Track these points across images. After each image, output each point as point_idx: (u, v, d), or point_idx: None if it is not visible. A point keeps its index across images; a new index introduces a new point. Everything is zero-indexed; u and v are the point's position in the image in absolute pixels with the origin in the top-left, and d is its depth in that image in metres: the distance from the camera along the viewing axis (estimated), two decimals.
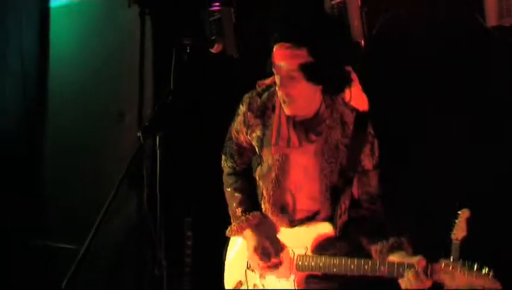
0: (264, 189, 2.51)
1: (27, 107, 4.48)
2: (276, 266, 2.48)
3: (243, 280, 2.59)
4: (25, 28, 4.45)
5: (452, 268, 2.19)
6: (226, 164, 2.71)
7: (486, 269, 2.18)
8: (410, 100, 3.80)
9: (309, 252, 2.44)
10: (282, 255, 2.49)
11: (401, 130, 3.86)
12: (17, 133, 4.44)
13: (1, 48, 4.34)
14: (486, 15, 3.53)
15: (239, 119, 2.58)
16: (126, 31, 4.29)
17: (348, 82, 2.39)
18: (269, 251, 2.48)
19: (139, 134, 2.24)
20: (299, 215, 2.48)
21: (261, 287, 2.53)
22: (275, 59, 2.33)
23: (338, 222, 2.41)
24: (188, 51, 2.36)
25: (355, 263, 2.32)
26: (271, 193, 2.48)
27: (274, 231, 2.52)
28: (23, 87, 4.44)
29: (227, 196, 2.66)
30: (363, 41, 3.75)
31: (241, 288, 2.58)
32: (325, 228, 2.42)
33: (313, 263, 2.41)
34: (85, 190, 4.29)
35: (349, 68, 2.39)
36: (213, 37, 2.51)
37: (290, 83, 2.32)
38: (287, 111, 2.39)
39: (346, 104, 2.44)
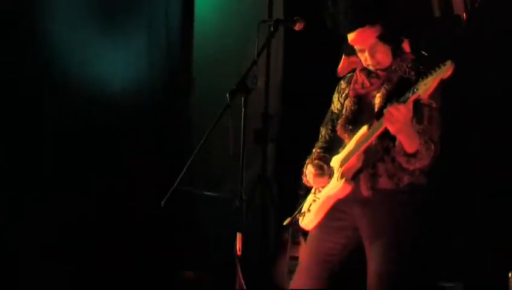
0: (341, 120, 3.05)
1: (172, 77, 5.01)
2: (325, 174, 3.00)
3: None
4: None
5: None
6: (320, 134, 3.26)
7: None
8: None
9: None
10: (332, 170, 3.00)
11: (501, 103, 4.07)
12: (163, 94, 4.97)
13: (147, 14, 4.87)
14: None
15: (335, 91, 3.21)
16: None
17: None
18: (321, 165, 3.04)
19: (227, 95, 2.80)
20: None
21: (316, 200, 3.04)
22: (354, 43, 2.91)
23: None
24: (272, 29, 2.87)
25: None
26: (345, 118, 3.02)
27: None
28: (168, 52, 4.96)
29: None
30: (464, 15, 3.98)
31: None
32: (362, 130, 2.88)
33: (349, 154, 2.89)
34: (221, 145, 4.84)
35: None
36: (295, 17, 2.97)
37: (375, 53, 2.89)
38: (374, 70, 2.96)
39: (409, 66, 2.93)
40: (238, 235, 2.80)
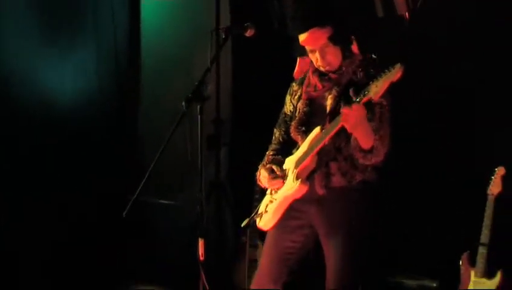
0: (294, 122, 3.12)
1: (120, 81, 5.03)
2: (279, 177, 3.05)
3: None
4: (116, 5, 4.99)
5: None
6: (274, 136, 3.32)
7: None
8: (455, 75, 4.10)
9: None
10: (287, 172, 3.06)
11: (447, 99, 4.19)
12: (112, 104, 4.98)
13: (94, 25, 4.87)
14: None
15: (287, 93, 3.27)
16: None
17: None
18: (273, 169, 3.08)
19: (183, 103, 2.82)
20: None
21: (273, 201, 3.10)
22: (305, 44, 2.97)
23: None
24: (223, 36, 2.91)
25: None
26: (298, 119, 3.10)
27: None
28: (116, 62, 4.98)
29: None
30: (407, 15, 4.10)
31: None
32: (315, 131, 2.97)
33: (303, 155, 2.97)
34: (173, 153, 4.87)
35: None
36: (246, 24, 3.03)
37: (326, 54, 2.96)
38: (325, 70, 3.03)
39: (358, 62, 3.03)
40: (200, 241, 2.83)
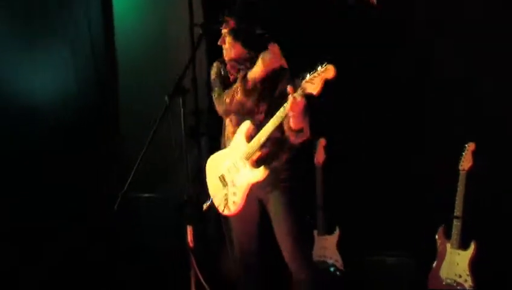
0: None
1: (100, 82, 5.10)
2: None
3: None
4: (91, 10, 5.07)
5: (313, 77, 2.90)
6: None
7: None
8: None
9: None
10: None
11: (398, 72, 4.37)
12: (93, 104, 5.02)
13: (71, 31, 4.94)
14: None
15: None
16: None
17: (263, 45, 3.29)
18: None
19: (166, 98, 2.94)
20: None
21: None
22: None
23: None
24: (201, 32, 3.03)
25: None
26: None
27: None
28: (95, 65, 5.03)
29: None
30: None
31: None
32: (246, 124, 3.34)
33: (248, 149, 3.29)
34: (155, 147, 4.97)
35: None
36: (221, 18, 3.15)
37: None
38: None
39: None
40: (189, 228, 2.95)
